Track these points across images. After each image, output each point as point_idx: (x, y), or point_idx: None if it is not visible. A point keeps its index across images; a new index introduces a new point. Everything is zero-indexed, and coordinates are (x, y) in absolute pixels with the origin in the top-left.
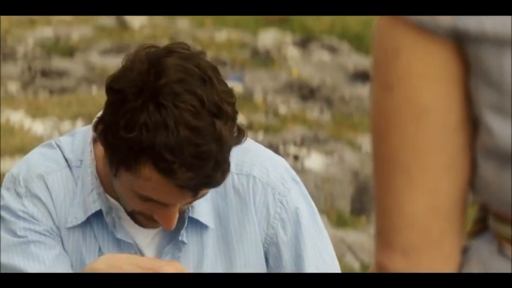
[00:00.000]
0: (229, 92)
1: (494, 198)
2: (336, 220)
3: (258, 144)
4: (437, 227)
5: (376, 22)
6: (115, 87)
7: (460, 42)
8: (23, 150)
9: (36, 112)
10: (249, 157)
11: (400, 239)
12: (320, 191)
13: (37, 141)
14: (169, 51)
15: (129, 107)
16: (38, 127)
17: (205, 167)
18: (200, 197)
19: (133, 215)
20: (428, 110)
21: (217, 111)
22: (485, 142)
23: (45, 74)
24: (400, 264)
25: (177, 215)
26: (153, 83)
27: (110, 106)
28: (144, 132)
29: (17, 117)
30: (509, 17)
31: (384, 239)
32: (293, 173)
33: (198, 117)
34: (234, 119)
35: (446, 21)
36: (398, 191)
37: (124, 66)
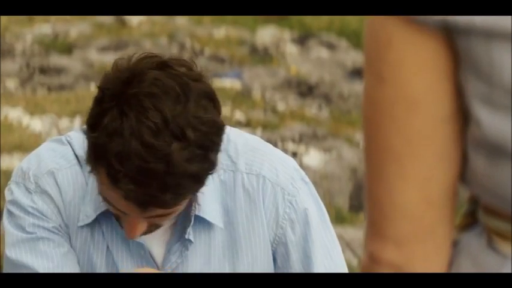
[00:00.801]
0: (210, 121)
1: (484, 190)
2: (335, 217)
3: (268, 143)
4: (429, 217)
5: (367, 16)
6: (100, 85)
7: (450, 35)
8: (21, 147)
9: (34, 109)
10: (259, 157)
11: (392, 229)
12: (318, 187)
13: (35, 138)
14: (163, 65)
15: (101, 107)
16: (36, 124)
17: (150, 186)
18: (161, 220)
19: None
20: (419, 101)
21: (179, 135)
22: (475, 134)
23: (43, 71)
24: (392, 254)
25: (140, 227)
26: (126, 91)
27: (93, 102)
28: (102, 136)
29: (15, 114)
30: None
31: (375, 230)
32: (302, 173)
33: (155, 135)
34: (202, 147)
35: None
36: (390, 180)
37: (115, 66)
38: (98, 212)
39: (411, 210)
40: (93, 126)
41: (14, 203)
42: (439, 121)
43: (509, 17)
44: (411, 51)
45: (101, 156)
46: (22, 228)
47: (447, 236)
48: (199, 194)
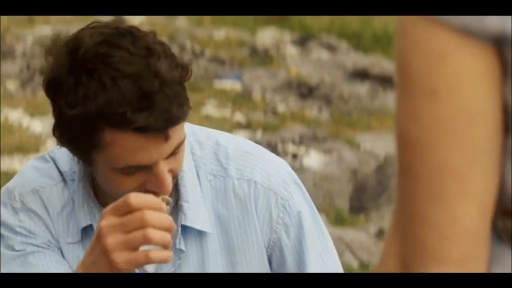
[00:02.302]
0: (155, 37)
1: None
2: (335, 218)
3: (259, 146)
4: (484, 230)
5: (406, 27)
6: (48, 82)
7: (500, 45)
8: (21, 148)
9: (34, 110)
10: (250, 161)
11: (454, 249)
12: (319, 189)
13: (35, 139)
14: (88, 27)
15: (65, 90)
16: (37, 125)
17: (156, 104)
18: (178, 146)
19: None
20: (479, 113)
21: (146, 52)
22: None
23: (43, 72)
24: None
25: (168, 176)
26: (76, 56)
27: (52, 102)
28: (88, 103)
29: (15, 115)
30: None
31: (432, 254)
32: (295, 176)
33: (129, 64)
34: (167, 55)
35: (493, 25)
36: (451, 200)
37: (48, 64)
38: (80, 228)
39: (472, 227)
40: (72, 107)
41: (2, 224)
42: (495, 132)
43: None
44: (468, 62)
45: (97, 120)
46: (12, 248)
47: (489, 247)
48: (184, 204)
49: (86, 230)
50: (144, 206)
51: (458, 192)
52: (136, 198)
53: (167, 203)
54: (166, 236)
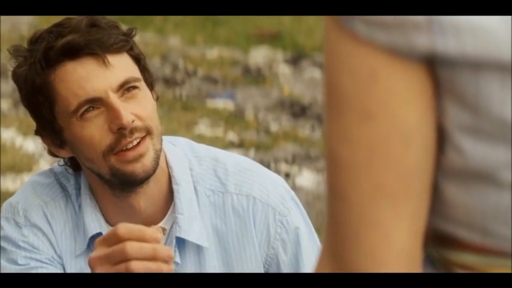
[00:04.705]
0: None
1: (454, 222)
2: None
3: (257, 163)
4: (416, 251)
5: (334, 46)
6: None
7: (431, 64)
8: (14, 167)
9: (27, 130)
10: (249, 177)
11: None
12: (311, 208)
13: (28, 158)
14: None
15: (24, 74)
16: (30, 145)
17: (76, 29)
18: (130, 83)
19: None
20: (413, 133)
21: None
22: (453, 163)
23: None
24: None
25: (125, 109)
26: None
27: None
28: (33, 67)
29: (8, 134)
30: (489, 37)
31: None
32: (292, 193)
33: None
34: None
35: (422, 44)
36: (386, 224)
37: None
38: (89, 236)
39: (406, 248)
40: (18, 67)
41: (5, 238)
42: (429, 151)
43: (500, 46)
44: (399, 83)
45: (37, 67)
46: (14, 262)
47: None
48: (178, 216)
49: (94, 239)
50: (133, 237)
51: (392, 214)
52: (123, 228)
53: (163, 232)
54: (150, 266)
